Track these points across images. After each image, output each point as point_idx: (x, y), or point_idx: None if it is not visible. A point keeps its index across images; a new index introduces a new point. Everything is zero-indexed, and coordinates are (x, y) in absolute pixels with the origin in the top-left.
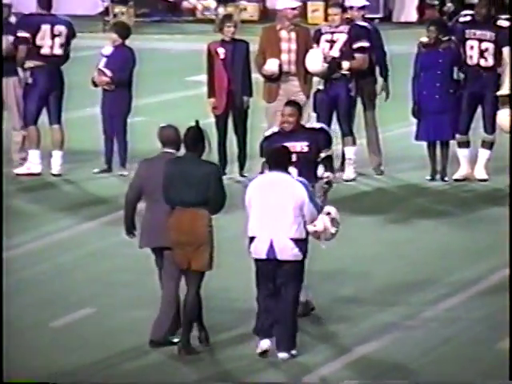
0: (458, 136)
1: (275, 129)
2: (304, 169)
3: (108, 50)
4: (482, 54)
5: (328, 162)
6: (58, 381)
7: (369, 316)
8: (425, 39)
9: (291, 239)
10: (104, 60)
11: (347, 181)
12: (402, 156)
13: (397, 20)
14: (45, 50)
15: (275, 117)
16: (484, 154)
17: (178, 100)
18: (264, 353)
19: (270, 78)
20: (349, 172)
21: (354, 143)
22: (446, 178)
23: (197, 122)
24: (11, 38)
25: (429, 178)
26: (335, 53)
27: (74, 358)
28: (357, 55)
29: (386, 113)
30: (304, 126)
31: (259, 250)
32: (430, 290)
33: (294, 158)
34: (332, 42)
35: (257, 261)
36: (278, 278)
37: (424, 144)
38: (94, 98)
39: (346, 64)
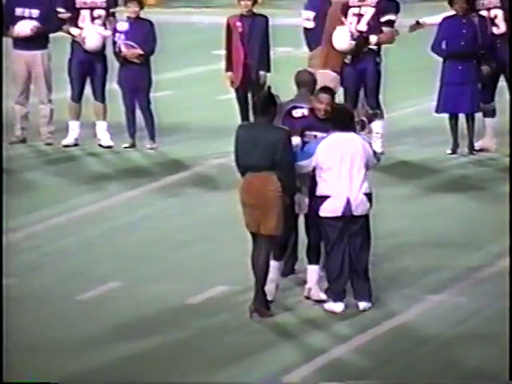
0: (481, 105)
1: (305, 111)
2: None
3: (123, 25)
4: (493, 22)
5: None
6: (81, 351)
7: (395, 290)
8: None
9: (364, 194)
10: (122, 36)
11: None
12: (429, 129)
13: None
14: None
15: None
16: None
17: (204, 74)
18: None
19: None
20: (376, 146)
21: (381, 117)
22: (475, 152)
23: (269, 87)
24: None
25: (449, 151)
26: (363, 27)
27: (99, 330)
28: (385, 29)
29: (413, 86)
30: None
31: (334, 208)
32: (456, 265)
33: None
34: (359, 16)
35: (328, 219)
36: (351, 233)
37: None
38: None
39: (373, 38)
